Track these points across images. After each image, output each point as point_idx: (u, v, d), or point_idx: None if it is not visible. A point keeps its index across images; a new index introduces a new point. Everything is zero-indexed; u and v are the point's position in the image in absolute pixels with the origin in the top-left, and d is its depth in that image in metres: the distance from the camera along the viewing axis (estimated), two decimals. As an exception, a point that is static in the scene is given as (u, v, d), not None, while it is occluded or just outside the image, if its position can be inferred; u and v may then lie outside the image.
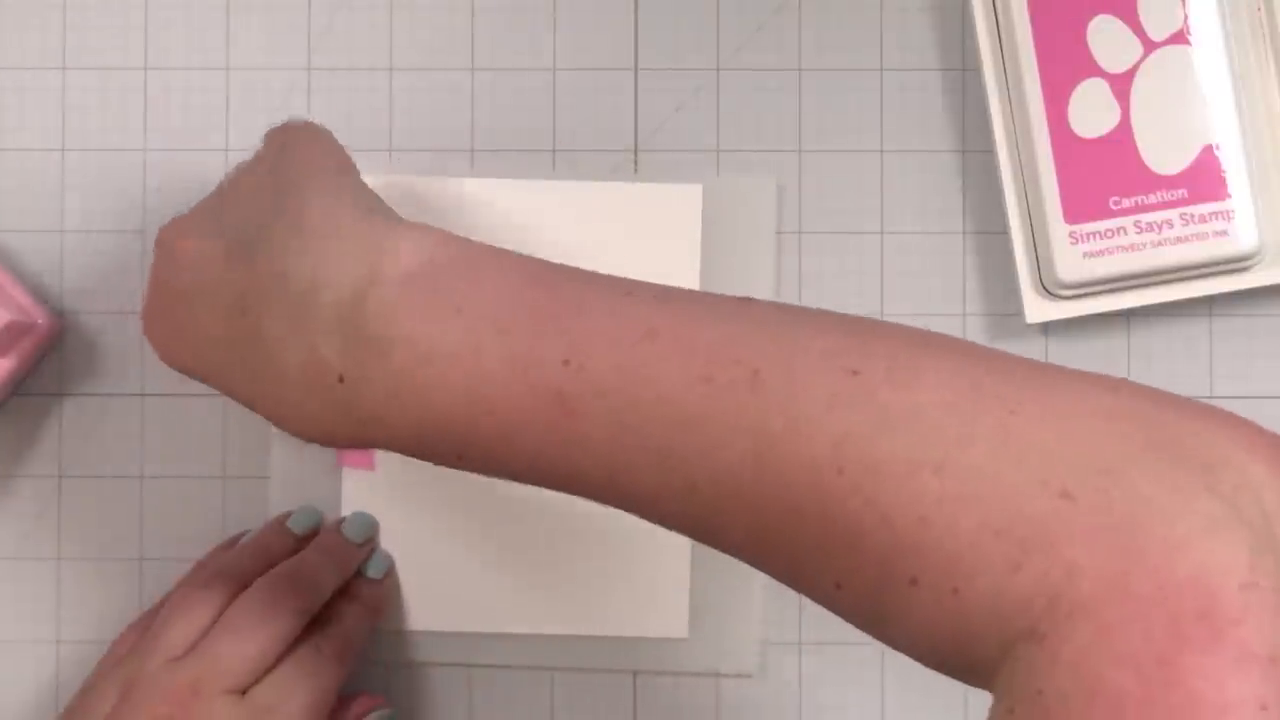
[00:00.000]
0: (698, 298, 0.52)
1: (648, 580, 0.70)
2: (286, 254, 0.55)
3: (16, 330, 0.69)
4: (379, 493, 0.70)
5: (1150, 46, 0.69)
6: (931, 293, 0.72)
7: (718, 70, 0.72)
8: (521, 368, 0.51)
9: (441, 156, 0.72)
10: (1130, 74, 0.69)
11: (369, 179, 0.71)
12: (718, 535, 0.50)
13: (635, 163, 0.72)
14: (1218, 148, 0.68)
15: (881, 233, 0.72)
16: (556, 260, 0.66)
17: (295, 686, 0.64)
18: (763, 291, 0.71)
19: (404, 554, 0.71)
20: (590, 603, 0.70)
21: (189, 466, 0.72)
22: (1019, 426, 0.46)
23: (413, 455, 0.54)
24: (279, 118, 0.72)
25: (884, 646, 0.49)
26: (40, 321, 0.70)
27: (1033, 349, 0.72)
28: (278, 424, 0.56)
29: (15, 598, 0.72)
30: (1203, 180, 0.68)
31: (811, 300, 0.71)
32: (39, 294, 0.72)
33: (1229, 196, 0.68)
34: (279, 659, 0.64)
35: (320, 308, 0.53)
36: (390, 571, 0.70)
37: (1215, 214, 0.68)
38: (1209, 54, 0.68)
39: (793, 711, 0.71)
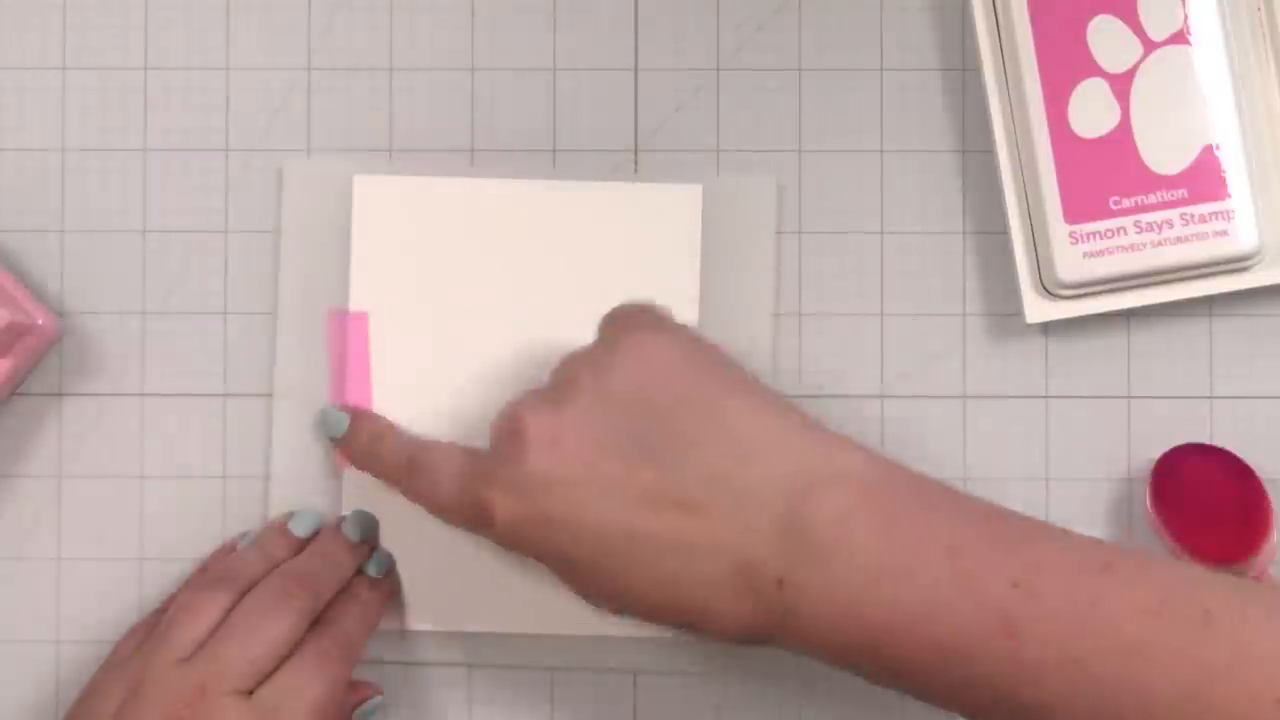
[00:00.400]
0: (1144, 549, 0.55)
1: None
2: (725, 461, 0.57)
3: (16, 330, 0.69)
4: (379, 492, 0.70)
5: (1150, 46, 0.69)
6: (931, 293, 0.72)
7: (718, 70, 0.72)
8: (969, 588, 0.53)
9: (441, 156, 0.72)
10: (1130, 74, 0.69)
11: (369, 178, 0.71)
12: None
13: (635, 163, 0.72)
14: (1218, 148, 0.68)
15: (881, 233, 0.72)
16: (559, 258, 0.67)
17: (300, 686, 0.64)
18: (763, 292, 0.71)
19: (404, 554, 0.71)
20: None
21: (189, 466, 0.72)
22: None
23: (834, 663, 0.56)
24: (279, 118, 0.72)
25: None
26: (40, 321, 0.70)
27: (1033, 349, 0.72)
28: (692, 624, 0.58)
29: (15, 598, 0.72)
30: (1203, 180, 0.68)
31: (811, 300, 0.71)
32: (39, 294, 0.72)
33: (1229, 196, 0.68)
34: (284, 659, 0.64)
35: (762, 513, 0.56)
36: (390, 570, 0.70)
37: (1215, 214, 0.68)
38: (1209, 54, 0.68)
39: (792, 711, 0.71)
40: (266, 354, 0.72)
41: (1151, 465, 0.70)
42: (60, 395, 0.72)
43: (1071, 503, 0.71)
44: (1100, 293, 0.69)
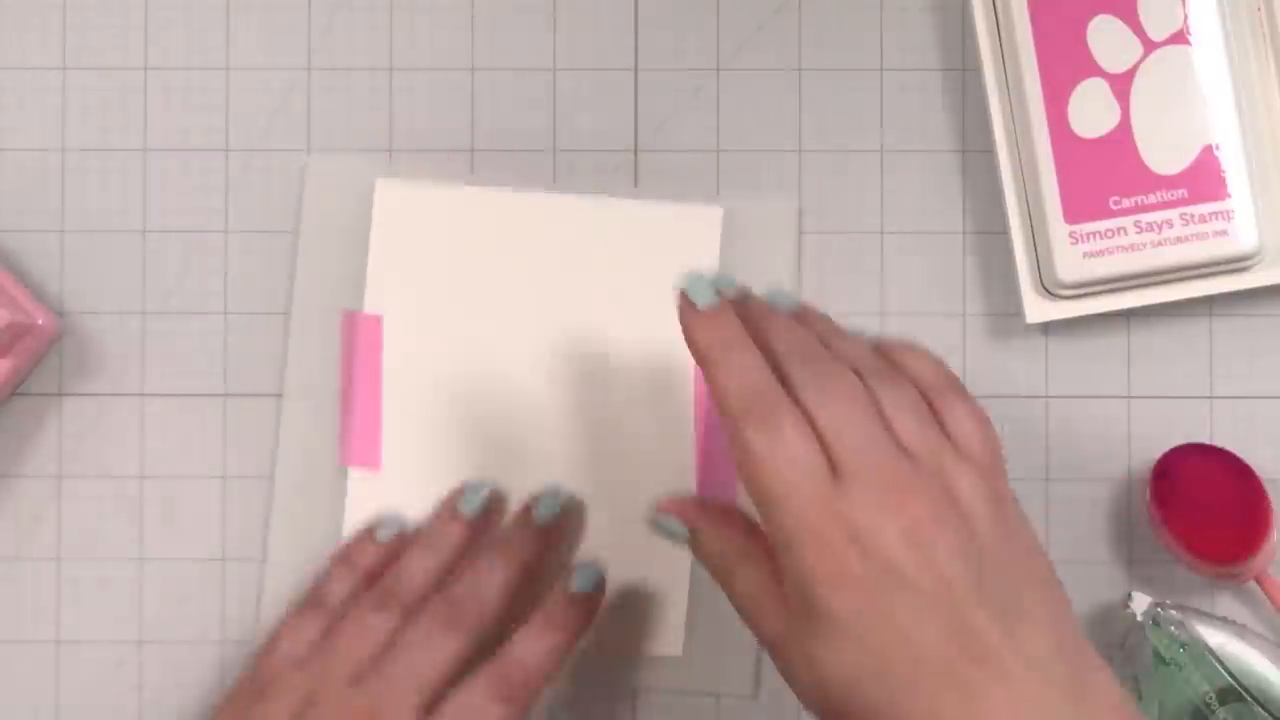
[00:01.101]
0: None
1: (645, 599, 0.70)
2: (1048, 645, 0.54)
3: (17, 330, 0.69)
4: (384, 495, 0.70)
5: (1150, 46, 0.69)
6: (931, 293, 0.72)
7: (718, 70, 0.72)
8: None
9: (441, 156, 0.72)
10: (1130, 74, 0.69)
11: (392, 183, 0.71)
12: None
13: (635, 163, 0.72)
14: (1218, 148, 0.68)
15: (881, 233, 0.72)
16: (576, 272, 0.65)
17: (476, 708, 0.62)
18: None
19: None
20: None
21: (189, 466, 0.72)
22: None
23: None
24: (279, 118, 0.72)
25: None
26: (40, 321, 0.70)
27: (1033, 349, 0.72)
28: None
29: (15, 598, 0.72)
30: (1203, 180, 0.68)
31: (811, 300, 0.71)
32: (39, 294, 0.72)
33: (1229, 196, 0.68)
34: (455, 683, 0.62)
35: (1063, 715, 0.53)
36: (601, 585, 0.65)
37: (1215, 214, 0.68)
38: (1209, 54, 0.68)
39: None
40: (267, 354, 0.72)
41: (1151, 465, 0.70)
42: (60, 395, 0.72)
43: (1071, 503, 0.71)
44: (1100, 293, 0.69)
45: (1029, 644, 0.53)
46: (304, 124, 0.72)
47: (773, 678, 0.71)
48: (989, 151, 0.71)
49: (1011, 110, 0.70)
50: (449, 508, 0.68)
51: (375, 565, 0.68)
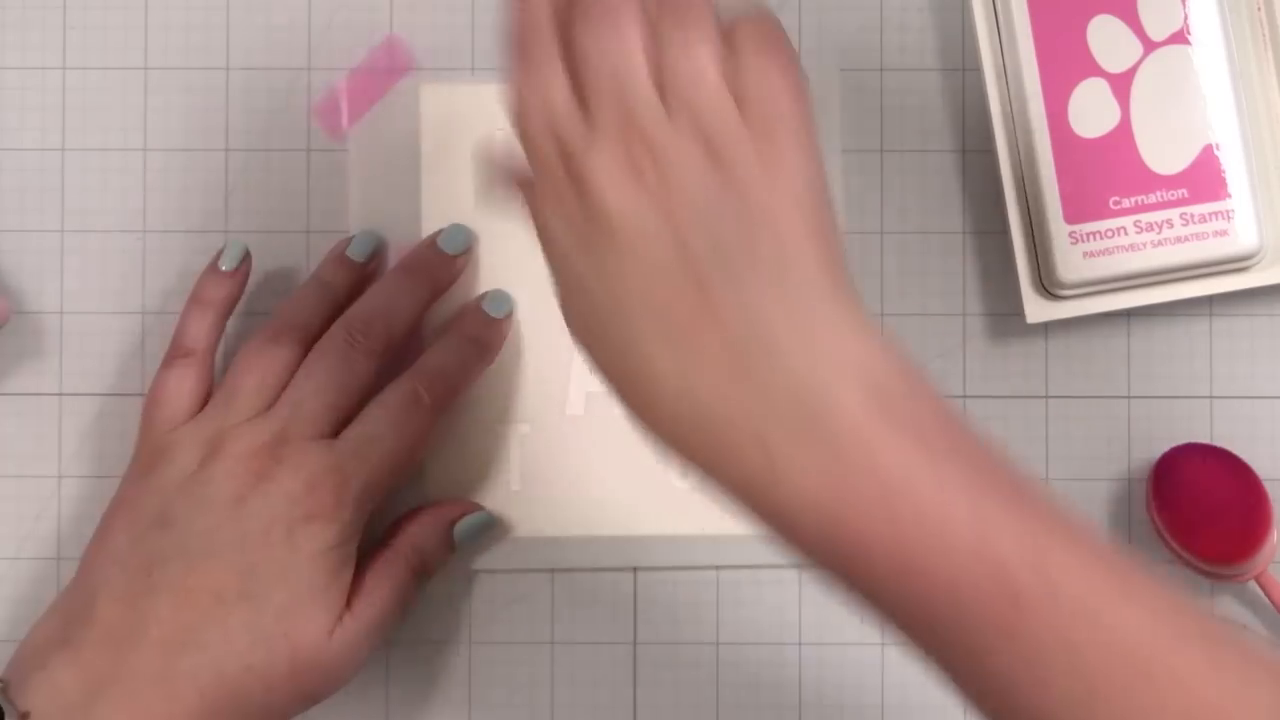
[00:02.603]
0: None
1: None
2: (776, 306, 0.51)
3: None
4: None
5: (1150, 46, 0.69)
6: (931, 293, 0.72)
7: (718, 70, 0.72)
8: (988, 544, 0.49)
9: (441, 156, 0.72)
10: (1130, 74, 0.69)
11: (422, 87, 0.71)
12: None
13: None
14: (1218, 148, 0.68)
15: (881, 233, 0.72)
16: None
17: (382, 433, 0.63)
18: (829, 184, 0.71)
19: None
20: (675, 503, 0.70)
21: (189, 466, 0.72)
22: None
23: (817, 555, 0.51)
24: (279, 118, 0.72)
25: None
26: None
27: (1033, 349, 0.72)
28: (646, 415, 0.52)
29: (15, 597, 0.72)
30: (1203, 180, 0.68)
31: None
32: (39, 294, 0.72)
33: (1229, 196, 0.68)
34: (364, 401, 0.63)
35: (781, 379, 0.50)
36: (511, 314, 0.67)
37: (1215, 214, 0.68)
38: (1209, 54, 0.68)
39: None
40: (266, 354, 0.72)
41: (1151, 465, 0.70)
42: (60, 395, 0.72)
43: (1071, 503, 0.71)
44: (1100, 293, 0.69)
45: (752, 304, 0.50)
46: (304, 124, 0.72)
47: None
48: (989, 151, 0.71)
49: (1011, 110, 0.70)
50: (336, 254, 0.68)
51: (227, 297, 0.68)
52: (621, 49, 0.51)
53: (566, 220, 0.51)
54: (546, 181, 0.52)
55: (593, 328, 0.51)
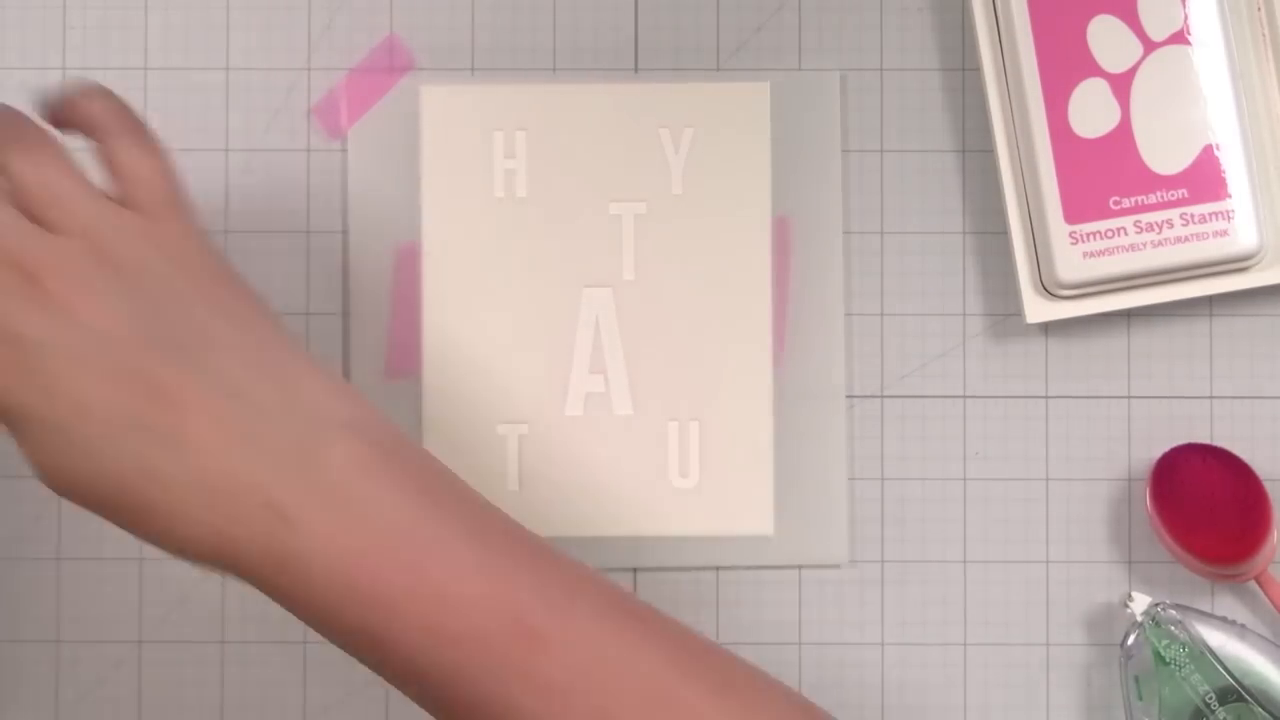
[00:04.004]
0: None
1: (731, 481, 0.70)
2: (246, 370, 0.51)
3: None
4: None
5: (1150, 46, 0.69)
6: (931, 293, 0.72)
7: (718, 70, 0.72)
8: (497, 586, 0.50)
9: (441, 156, 0.72)
10: (1130, 74, 0.69)
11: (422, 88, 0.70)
12: None
13: (635, 163, 0.72)
14: (1218, 148, 0.68)
15: (881, 233, 0.72)
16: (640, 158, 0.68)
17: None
18: (830, 187, 0.71)
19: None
20: (674, 503, 0.71)
21: (189, 466, 0.72)
22: None
23: (316, 619, 0.52)
24: (279, 118, 0.72)
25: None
26: None
27: (1033, 349, 0.72)
28: (154, 528, 0.51)
29: (15, 598, 0.72)
30: (1203, 180, 0.68)
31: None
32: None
33: (1229, 196, 0.68)
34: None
35: (268, 428, 0.51)
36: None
37: (1215, 214, 0.68)
38: (1209, 54, 0.68)
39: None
40: (266, 354, 0.72)
41: (1151, 465, 0.70)
42: (60, 395, 0.72)
43: (1071, 503, 0.71)
44: (1100, 293, 0.69)
45: (224, 373, 0.51)
46: (304, 124, 0.72)
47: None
48: (989, 151, 0.71)
49: (1011, 110, 0.70)
50: None
51: None
52: None
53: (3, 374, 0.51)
54: None
55: (76, 466, 0.51)
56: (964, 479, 0.71)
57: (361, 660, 0.52)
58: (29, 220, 0.52)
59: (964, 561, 0.71)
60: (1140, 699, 0.67)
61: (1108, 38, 0.69)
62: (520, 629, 0.50)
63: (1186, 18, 0.68)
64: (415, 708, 0.71)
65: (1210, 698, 0.66)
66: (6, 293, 0.51)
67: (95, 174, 0.55)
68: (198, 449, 0.50)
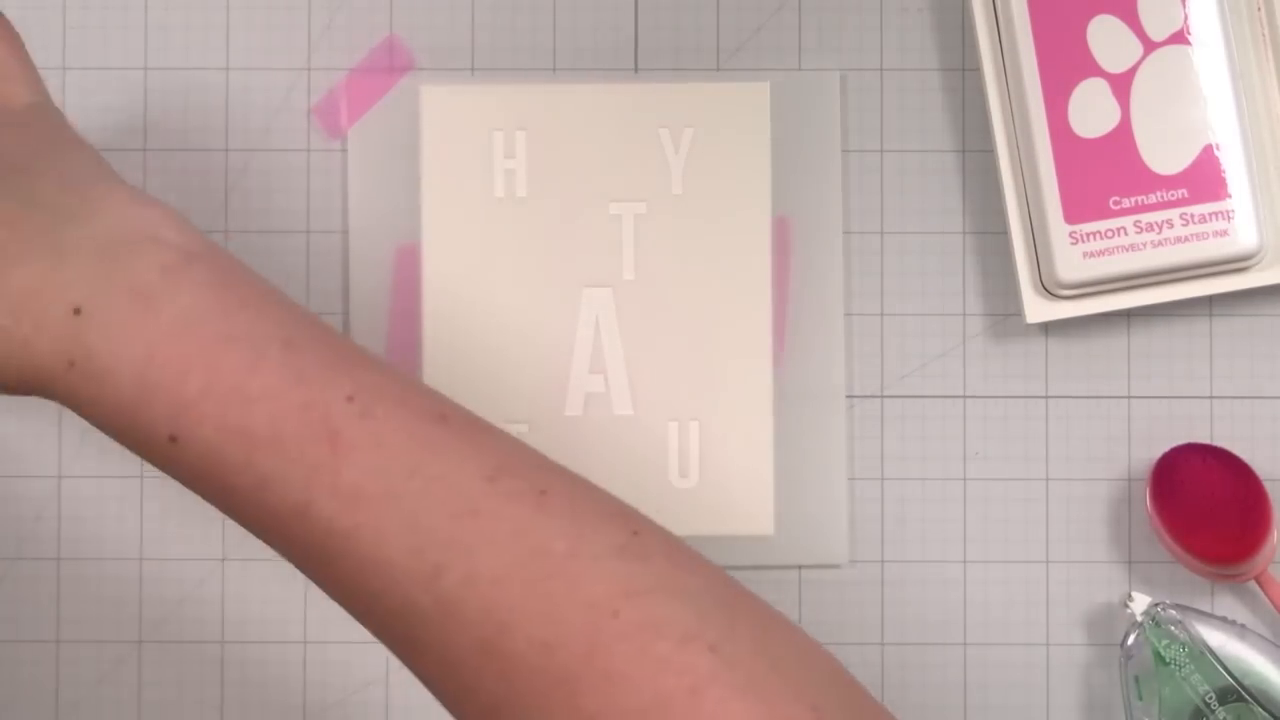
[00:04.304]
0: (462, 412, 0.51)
1: (732, 482, 0.70)
2: (51, 187, 0.51)
3: None
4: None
5: (1150, 46, 0.69)
6: (931, 293, 0.72)
7: (718, 70, 0.72)
8: (299, 382, 0.48)
9: (441, 156, 0.72)
10: (1130, 74, 0.69)
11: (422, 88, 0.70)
12: (416, 647, 0.49)
13: (635, 163, 0.72)
14: (1218, 148, 0.68)
15: (881, 233, 0.72)
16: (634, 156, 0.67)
17: None
18: (830, 187, 0.71)
19: None
20: (674, 503, 0.71)
21: (189, 466, 0.72)
22: None
23: (114, 427, 0.50)
24: (279, 118, 0.72)
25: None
26: None
27: (1033, 349, 0.72)
28: None
29: (15, 598, 0.72)
30: (1203, 180, 0.68)
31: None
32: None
33: (1229, 196, 0.68)
34: None
35: (71, 233, 0.50)
36: None
37: (1215, 214, 0.68)
38: (1209, 54, 0.68)
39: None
40: (266, 354, 0.72)
41: (1151, 465, 0.70)
42: (60, 395, 0.72)
43: (1071, 503, 0.71)
44: (1100, 293, 0.69)
45: (28, 190, 0.51)
46: (304, 124, 0.72)
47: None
48: (989, 151, 0.71)
49: (1011, 110, 0.70)
50: None
51: None
52: None
53: None
54: None
55: None
56: (964, 479, 0.71)
57: (171, 473, 0.51)
58: None
59: (964, 561, 0.71)
60: (1140, 699, 0.67)
61: (1108, 38, 0.69)
62: (324, 431, 0.48)
63: (1186, 18, 0.68)
64: (415, 708, 0.72)
65: (1210, 698, 0.66)
66: None
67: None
68: (16, 264, 0.50)
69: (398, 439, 0.49)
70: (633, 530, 0.50)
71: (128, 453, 0.72)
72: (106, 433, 0.51)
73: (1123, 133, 0.68)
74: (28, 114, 0.55)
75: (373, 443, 0.48)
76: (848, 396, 0.71)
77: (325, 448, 0.48)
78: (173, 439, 0.49)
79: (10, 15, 0.72)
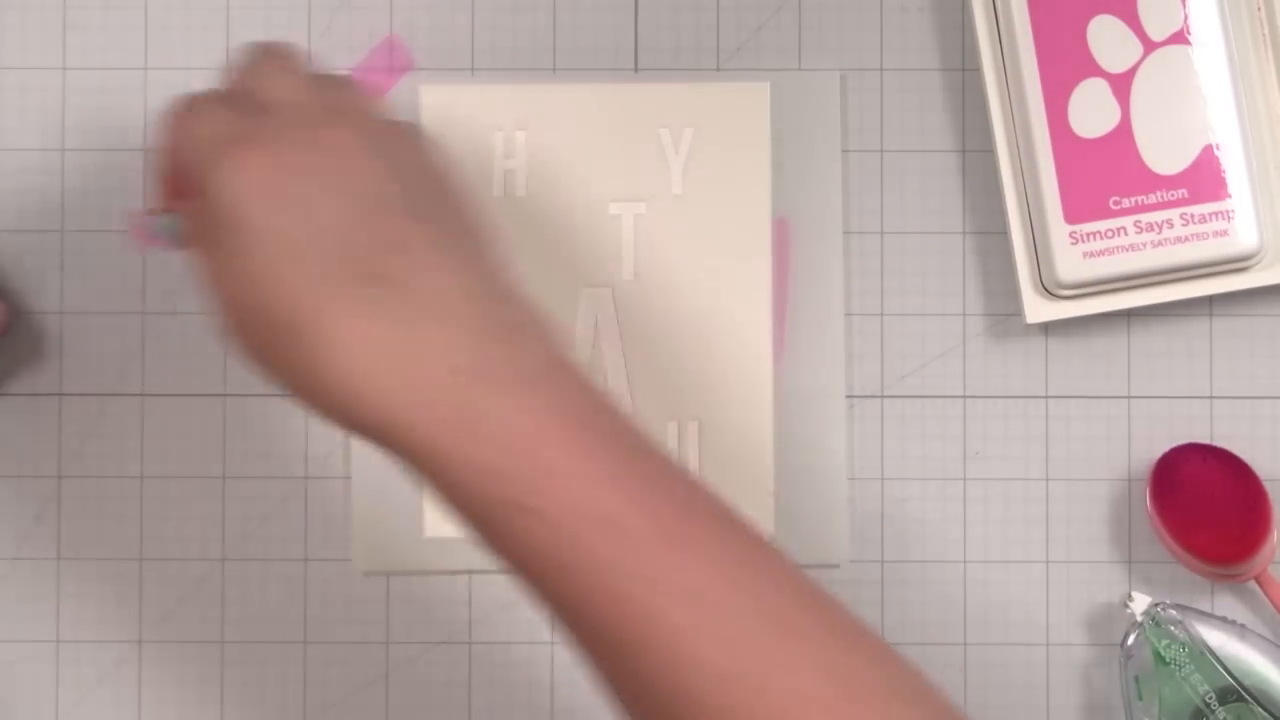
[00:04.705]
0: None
1: (734, 481, 0.70)
2: (464, 250, 0.55)
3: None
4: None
5: (1150, 46, 0.69)
6: (931, 293, 0.72)
7: (718, 70, 0.72)
8: (645, 488, 0.52)
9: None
10: (1130, 74, 0.69)
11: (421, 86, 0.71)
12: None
13: (635, 163, 0.72)
14: (1218, 148, 0.68)
15: (881, 233, 0.72)
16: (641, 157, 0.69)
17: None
18: (830, 187, 0.71)
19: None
20: None
21: (189, 466, 0.72)
22: None
23: (442, 483, 0.53)
24: (279, 118, 0.72)
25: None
26: None
27: (1033, 349, 0.72)
28: (330, 375, 0.53)
29: (15, 598, 0.72)
30: (1203, 180, 0.68)
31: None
32: (39, 293, 0.72)
33: (1229, 196, 0.68)
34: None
35: (484, 311, 0.54)
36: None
37: (1215, 214, 0.68)
38: (1209, 54, 0.68)
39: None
40: (266, 354, 0.72)
41: (1151, 465, 0.70)
42: (60, 395, 0.72)
43: (1071, 503, 0.71)
44: (1100, 293, 0.69)
45: (447, 237, 0.55)
46: (304, 124, 0.72)
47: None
48: (989, 151, 0.71)
49: (1011, 110, 0.70)
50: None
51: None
52: (215, 101, 0.57)
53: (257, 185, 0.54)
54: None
55: (273, 285, 0.54)
56: (964, 479, 0.71)
57: (496, 541, 0.53)
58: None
59: (964, 561, 0.71)
60: (1140, 699, 0.67)
61: (1108, 38, 0.69)
62: (663, 533, 0.52)
63: (1186, 18, 0.68)
64: (415, 708, 0.72)
65: (1210, 698, 0.66)
66: (310, 123, 0.56)
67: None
68: (406, 295, 0.53)
69: (722, 552, 0.52)
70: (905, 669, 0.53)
71: (128, 453, 0.72)
72: (438, 477, 0.53)
73: (1123, 133, 0.68)
74: (433, 162, 0.59)
75: (701, 551, 0.52)
76: (848, 396, 0.71)
77: (661, 548, 0.52)
78: (520, 508, 0.52)
79: (10, 15, 0.72)
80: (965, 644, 0.71)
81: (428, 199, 0.56)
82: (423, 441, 0.53)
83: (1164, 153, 0.68)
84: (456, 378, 0.52)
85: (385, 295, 0.53)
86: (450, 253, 0.55)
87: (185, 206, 0.57)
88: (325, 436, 0.71)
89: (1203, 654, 0.67)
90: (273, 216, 0.54)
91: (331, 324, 0.53)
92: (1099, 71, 0.69)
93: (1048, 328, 0.71)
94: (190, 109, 0.57)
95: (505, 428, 0.52)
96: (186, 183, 0.56)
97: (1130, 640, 0.68)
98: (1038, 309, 0.70)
